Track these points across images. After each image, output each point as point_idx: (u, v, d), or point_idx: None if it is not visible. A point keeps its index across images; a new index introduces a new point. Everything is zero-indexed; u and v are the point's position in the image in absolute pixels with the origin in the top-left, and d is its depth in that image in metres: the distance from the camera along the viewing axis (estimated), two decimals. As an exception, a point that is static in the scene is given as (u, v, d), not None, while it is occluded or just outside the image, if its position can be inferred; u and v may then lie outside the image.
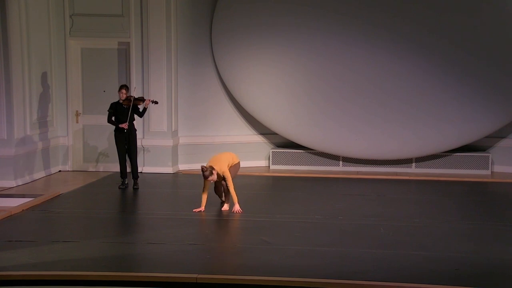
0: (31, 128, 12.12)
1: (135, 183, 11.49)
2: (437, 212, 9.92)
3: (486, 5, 12.53)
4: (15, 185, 11.53)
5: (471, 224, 9.19)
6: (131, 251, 7.91)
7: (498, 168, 13.28)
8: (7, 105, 11.57)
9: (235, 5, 13.10)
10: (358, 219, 9.35)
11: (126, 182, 11.51)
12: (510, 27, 12.48)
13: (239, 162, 9.97)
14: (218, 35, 13.22)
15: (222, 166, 9.59)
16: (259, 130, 13.82)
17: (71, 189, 11.39)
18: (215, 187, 9.94)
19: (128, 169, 11.68)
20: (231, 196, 9.67)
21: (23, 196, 10.70)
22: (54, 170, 12.94)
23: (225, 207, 9.80)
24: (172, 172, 12.99)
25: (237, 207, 9.63)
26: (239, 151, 13.30)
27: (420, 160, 13.29)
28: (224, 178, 9.60)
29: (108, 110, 11.40)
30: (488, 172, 13.05)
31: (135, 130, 11.52)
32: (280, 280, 6.80)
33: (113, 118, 11.36)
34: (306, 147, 13.49)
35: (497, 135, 13.27)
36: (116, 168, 12.06)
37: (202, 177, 9.62)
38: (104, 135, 13.03)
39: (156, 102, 11.61)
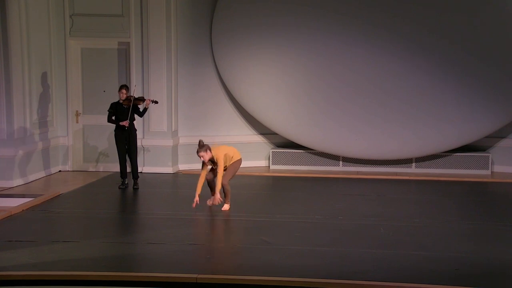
0: (31, 128, 12.12)
1: (135, 183, 11.49)
2: (437, 212, 9.92)
3: (486, 5, 12.53)
4: (15, 185, 11.53)
5: (471, 224, 9.19)
6: (131, 251, 7.91)
7: (498, 168, 13.28)
8: (7, 105, 11.57)
9: (235, 5, 13.10)
10: (358, 219, 9.35)
11: (126, 182, 11.51)
12: (510, 27, 12.48)
13: (240, 159, 9.89)
14: (218, 35, 13.22)
15: (218, 153, 9.56)
16: (259, 130, 13.82)
17: (71, 189, 11.39)
18: (208, 183, 9.83)
19: (128, 169, 11.68)
20: (224, 190, 9.66)
21: (23, 196, 10.70)
22: (54, 170, 12.93)
23: (225, 207, 9.79)
24: (172, 172, 12.99)
25: (217, 197, 9.59)
26: (239, 151, 13.32)
27: (420, 160, 13.29)
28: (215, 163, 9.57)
29: (108, 110, 11.41)
30: (488, 172, 13.05)
31: (135, 130, 11.52)
32: (280, 280, 6.80)
33: (113, 118, 11.36)
34: (306, 147, 13.49)
35: (497, 135, 13.27)
36: (116, 168, 12.06)
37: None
38: (104, 135, 13.03)
39: (156, 102, 11.62)
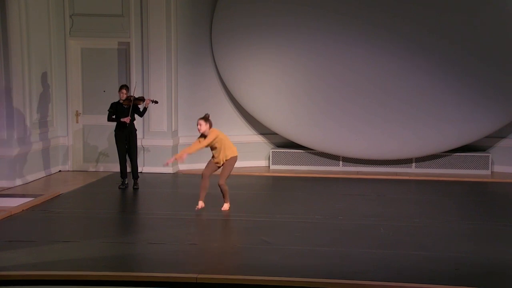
0: (31, 128, 12.12)
1: (135, 183, 11.49)
2: (437, 212, 9.92)
3: (486, 5, 12.53)
4: (15, 185, 11.53)
5: (471, 224, 9.19)
6: (131, 251, 7.91)
7: (498, 168, 13.28)
8: (7, 105, 11.57)
9: (235, 5, 13.10)
10: (358, 219, 9.35)
11: (126, 182, 11.51)
12: (510, 27, 12.48)
13: (236, 156, 9.74)
14: (218, 35, 13.22)
15: (215, 131, 9.50)
16: (259, 130, 13.82)
17: (71, 189, 11.39)
18: (202, 178, 9.78)
19: (128, 169, 11.68)
20: (222, 191, 9.63)
21: (23, 196, 10.70)
22: (54, 170, 12.94)
23: (225, 206, 9.78)
24: (172, 172, 12.99)
25: (184, 155, 9.57)
26: (239, 151, 13.27)
27: (420, 160, 13.29)
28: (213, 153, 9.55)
29: (108, 110, 11.41)
30: (488, 172, 13.05)
31: (135, 130, 11.52)
32: (280, 280, 6.80)
33: (113, 117, 11.35)
34: (306, 147, 13.49)
35: (497, 135, 13.27)
36: (116, 168, 12.06)
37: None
38: (104, 135, 13.03)
39: (156, 102, 11.62)
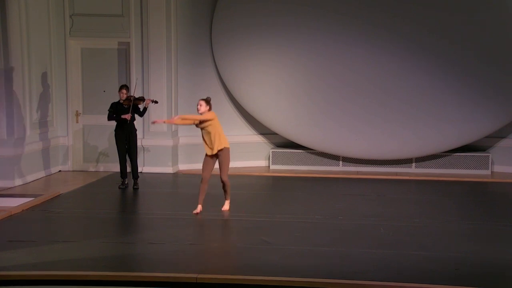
0: (31, 128, 12.11)
1: (135, 183, 11.49)
2: (437, 212, 9.92)
3: (486, 5, 12.52)
4: (15, 185, 11.52)
5: (471, 224, 9.19)
6: (131, 251, 7.91)
7: (498, 168, 13.29)
8: (7, 105, 11.57)
9: (235, 5, 13.10)
10: (358, 219, 9.35)
11: (126, 182, 11.51)
12: (510, 27, 12.48)
13: (229, 148, 9.63)
14: (218, 35, 13.22)
15: (213, 113, 9.49)
16: (259, 130, 13.82)
17: (71, 189, 11.39)
18: (202, 182, 9.76)
19: (128, 169, 11.68)
20: (225, 187, 9.63)
21: (23, 196, 10.70)
22: (54, 170, 12.94)
23: (226, 206, 9.78)
24: (172, 172, 12.99)
25: (175, 119, 9.63)
26: (239, 151, 13.34)
27: (420, 160, 13.29)
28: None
29: (108, 110, 11.41)
30: (488, 172, 13.05)
31: (135, 130, 11.52)
32: (280, 280, 6.80)
33: (114, 116, 11.34)
34: (306, 147, 13.49)
35: (497, 135, 13.27)
36: (116, 168, 12.06)
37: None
38: (104, 135, 13.03)
39: (156, 102, 11.61)
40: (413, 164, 13.32)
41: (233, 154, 12.58)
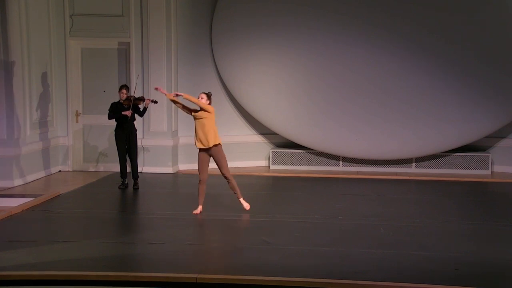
0: (31, 128, 12.12)
1: (135, 183, 11.49)
2: (437, 212, 9.92)
3: (486, 5, 12.53)
4: (15, 185, 11.53)
5: (471, 224, 9.19)
6: (131, 251, 7.91)
7: (498, 168, 13.28)
8: (7, 105, 11.57)
9: (235, 5, 13.10)
10: (358, 219, 9.35)
11: (126, 182, 11.51)
12: (510, 27, 12.48)
13: (221, 145, 9.60)
14: (218, 35, 13.22)
15: (213, 108, 9.49)
16: (259, 130, 13.82)
17: (71, 189, 11.39)
18: (201, 183, 9.76)
19: (128, 169, 11.68)
20: (233, 184, 9.60)
21: (23, 196, 10.70)
22: (54, 170, 12.93)
23: (244, 205, 9.68)
24: (172, 172, 12.99)
25: (173, 94, 9.63)
26: (239, 151, 13.35)
27: (420, 160, 13.29)
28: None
29: (108, 110, 11.41)
30: (488, 172, 13.05)
31: (136, 130, 11.52)
32: (280, 280, 6.79)
33: (113, 114, 11.35)
34: (306, 147, 13.49)
35: (497, 135, 13.27)
36: (116, 168, 12.06)
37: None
38: (104, 135, 13.03)
39: (155, 102, 11.61)
40: (413, 164, 13.32)
41: (233, 154, 12.65)
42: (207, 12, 13.34)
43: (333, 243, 8.20)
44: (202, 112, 9.47)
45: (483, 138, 13.15)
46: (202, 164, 9.60)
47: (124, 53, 13.07)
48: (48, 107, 12.81)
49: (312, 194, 11.33)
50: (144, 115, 11.77)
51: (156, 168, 12.96)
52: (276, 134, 13.67)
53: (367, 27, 12.79)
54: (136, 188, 11.44)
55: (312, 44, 12.97)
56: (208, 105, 9.50)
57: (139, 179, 11.57)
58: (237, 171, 12.74)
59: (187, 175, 12.84)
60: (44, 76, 12.60)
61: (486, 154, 13.14)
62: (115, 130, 11.47)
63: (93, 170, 13.18)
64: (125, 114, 11.19)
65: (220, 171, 9.60)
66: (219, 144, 9.55)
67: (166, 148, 12.98)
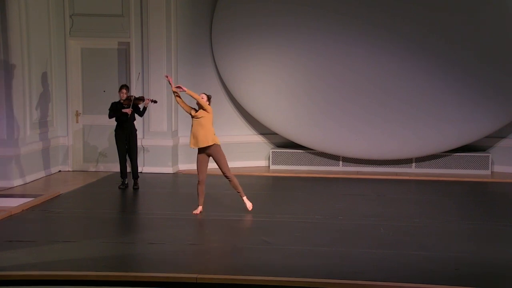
0: (31, 128, 12.11)
1: (135, 183, 11.49)
2: (437, 212, 9.92)
3: (486, 5, 12.53)
4: (15, 185, 11.53)
5: (471, 224, 9.19)
6: (131, 251, 7.91)
7: (498, 168, 13.29)
8: (7, 105, 11.57)
9: (235, 5, 13.10)
10: (358, 219, 9.35)
11: (126, 182, 11.51)
12: (510, 27, 12.48)
13: (219, 146, 9.58)
14: (218, 35, 13.22)
15: (210, 107, 9.50)
16: (259, 130, 13.82)
17: (71, 189, 11.39)
18: (199, 184, 9.75)
19: (128, 169, 11.68)
20: (235, 184, 9.59)
21: (23, 196, 10.70)
22: (54, 170, 12.93)
23: (247, 204, 9.67)
24: (172, 172, 12.99)
25: (178, 88, 9.59)
26: (239, 151, 13.35)
27: (420, 160, 13.29)
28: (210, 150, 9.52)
29: (109, 109, 11.41)
30: (488, 172, 13.05)
31: (136, 130, 11.52)
32: (280, 280, 6.80)
33: (113, 113, 11.36)
34: (306, 147, 13.49)
35: (497, 135, 13.27)
36: (116, 168, 12.07)
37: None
38: (104, 135, 13.03)
39: (155, 102, 11.61)
40: (413, 164, 13.32)
41: (233, 154, 12.66)
42: (207, 12, 13.34)
43: (333, 243, 8.20)
44: (201, 111, 9.47)
45: (483, 138, 13.15)
46: (201, 165, 9.60)
47: (124, 53, 13.07)
48: (48, 107, 12.81)
49: (312, 194, 11.33)
50: (144, 115, 11.77)
51: (156, 168, 12.96)
52: (276, 134, 13.67)
53: (367, 27, 12.79)
54: (136, 188, 11.44)
55: (312, 44, 12.97)
56: (208, 105, 9.50)
57: (139, 179, 11.57)
58: (237, 171, 12.72)
59: (187, 175, 12.84)
60: (44, 76, 12.61)
61: (486, 154, 13.14)
62: (115, 130, 11.47)
63: (93, 170, 13.18)
64: (125, 112, 11.19)
65: (221, 170, 9.60)
66: (218, 144, 9.54)
67: (166, 148, 12.98)
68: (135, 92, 11.90)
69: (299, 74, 13.14)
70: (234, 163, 12.78)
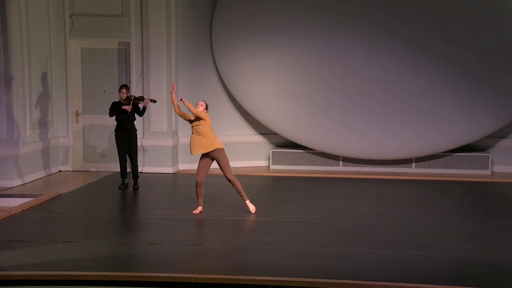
0: (31, 128, 12.11)
1: (135, 183, 11.49)
2: (437, 212, 9.92)
3: (486, 5, 12.52)
4: (15, 185, 11.53)
5: (471, 224, 9.19)
6: (131, 251, 7.91)
7: (498, 168, 13.28)
8: (7, 105, 11.57)
9: (235, 5, 13.10)
10: (358, 219, 9.35)
11: (126, 182, 11.51)
12: (510, 27, 12.48)
13: (223, 148, 9.63)
14: (218, 35, 13.22)
15: (208, 116, 9.52)
16: (259, 130, 13.82)
17: (71, 189, 11.39)
18: (198, 185, 9.74)
19: (128, 169, 11.68)
20: (237, 187, 9.59)
21: (23, 196, 10.70)
22: (54, 170, 12.93)
23: (250, 207, 9.66)
24: (172, 172, 12.99)
25: (178, 99, 9.70)
26: (239, 151, 13.34)
27: (420, 160, 13.29)
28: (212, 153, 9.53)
29: (109, 109, 11.42)
30: (488, 172, 13.04)
31: (136, 130, 11.52)
32: (280, 280, 6.80)
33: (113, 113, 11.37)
34: (306, 147, 13.49)
35: (497, 135, 13.27)
36: (116, 168, 12.07)
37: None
38: (104, 135, 13.03)
39: (154, 101, 11.60)
40: (413, 164, 13.32)
41: (233, 154, 12.65)
42: (207, 12, 13.34)
43: (333, 243, 8.20)
44: (199, 119, 9.50)
45: (483, 138, 13.15)
46: (202, 168, 9.61)
47: (124, 53, 13.07)
48: (48, 107, 12.81)
49: (312, 194, 11.33)
50: (144, 115, 11.77)
51: (156, 168, 12.96)
52: (276, 134, 13.67)
53: (367, 27, 12.79)
54: (136, 188, 11.44)
55: (312, 44, 12.97)
56: (205, 113, 9.53)
57: (139, 179, 11.57)
58: (237, 171, 12.71)
59: (187, 175, 12.83)
60: (44, 76, 12.61)
61: (486, 154, 13.14)
62: (115, 130, 11.47)
63: (93, 170, 13.18)
64: (125, 109, 11.19)
65: (224, 174, 9.59)
66: (221, 148, 9.55)
67: (166, 148, 12.98)
68: (135, 92, 11.89)
69: (299, 74, 13.14)
70: (234, 163, 12.74)
